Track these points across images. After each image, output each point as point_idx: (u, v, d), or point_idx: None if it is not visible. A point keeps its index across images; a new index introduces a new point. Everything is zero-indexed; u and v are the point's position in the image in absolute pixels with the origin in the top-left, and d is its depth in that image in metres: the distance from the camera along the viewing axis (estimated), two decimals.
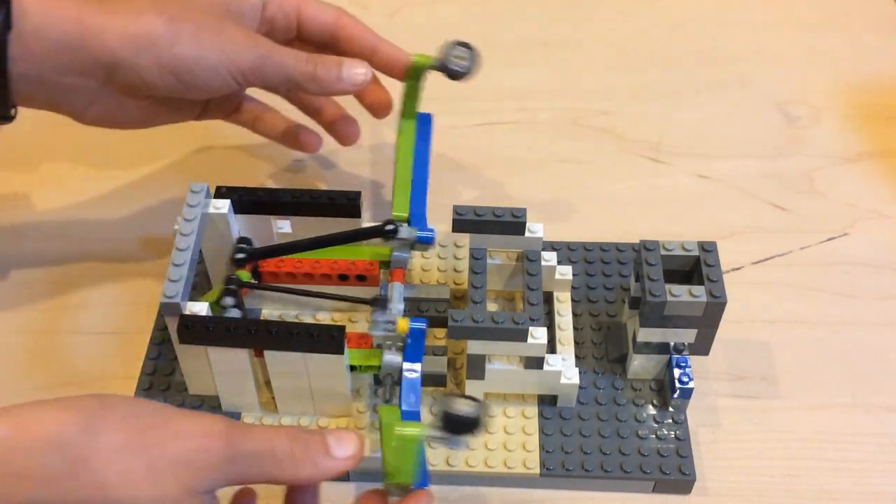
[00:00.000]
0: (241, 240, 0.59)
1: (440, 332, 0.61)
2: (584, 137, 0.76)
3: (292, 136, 0.66)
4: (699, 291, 0.54)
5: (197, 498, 0.40)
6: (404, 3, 0.87)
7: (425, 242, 0.58)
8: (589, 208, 0.71)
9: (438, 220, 0.61)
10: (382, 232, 0.57)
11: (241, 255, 0.58)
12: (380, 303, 0.55)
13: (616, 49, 0.84)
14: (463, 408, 0.44)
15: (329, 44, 0.62)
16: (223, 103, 0.64)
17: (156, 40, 0.54)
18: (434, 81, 0.62)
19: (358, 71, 0.58)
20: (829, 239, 0.69)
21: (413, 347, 0.54)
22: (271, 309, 0.62)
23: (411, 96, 0.63)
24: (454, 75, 0.59)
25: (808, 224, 0.70)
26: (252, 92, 0.64)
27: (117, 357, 0.62)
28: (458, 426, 0.44)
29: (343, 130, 0.65)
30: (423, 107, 0.77)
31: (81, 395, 0.40)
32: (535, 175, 0.73)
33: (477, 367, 0.55)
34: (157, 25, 0.54)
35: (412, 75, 0.61)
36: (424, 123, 0.64)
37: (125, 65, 0.54)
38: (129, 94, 0.56)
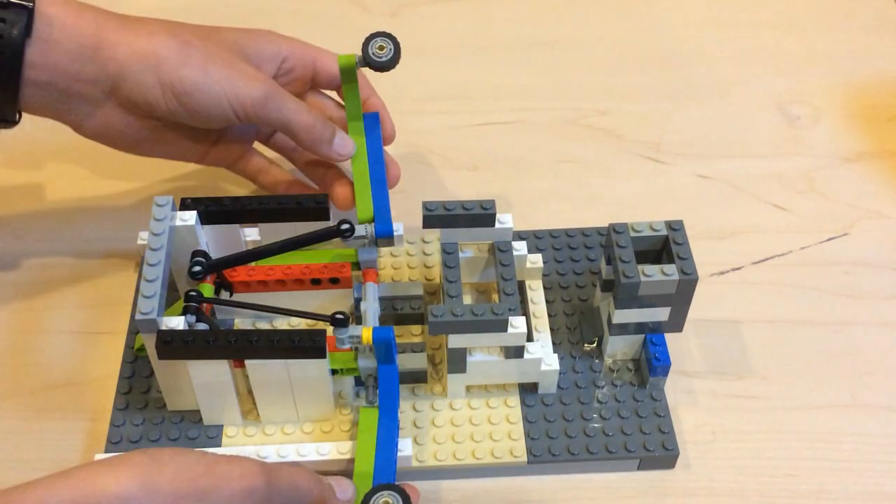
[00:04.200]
0: (196, 253, 0.57)
1: (416, 329, 0.61)
2: (584, 137, 0.76)
3: (295, 192, 0.65)
4: (671, 270, 0.54)
5: None
6: (404, 3, 0.87)
7: (385, 236, 0.58)
8: (589, 208, 0.71)
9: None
10: (339, 232, 0.57)
11: (197, 269, 0.56)
12: (340, 321, 0.53)
13: (616, 49, 0.84)
14: None
15: (337, 91, 0.64)
16: (228, 149, 0.64)
17: (163, 60, 0.56)
18: (432, 81, 0.62)
19: (347, 144, 0.61)
20: (829, 239, 0.69)
21: (386, 352, 0.54)
22: (244, 318, 0.61)
23: (351, 98, 0.62)
24: (377, 68, 0.59)
25: (808, 224, 0.70)
26: (257, 148, 0.65)
27: (91, 357, 0.62)
28: None
29: (339, 192, 0.63)
30: (423, 106, 0.78)
31: (130, 452, 0.43)
32: (535, 175, 0.73)
33: (458, 360, 0.56)
34: (168, 46, 0.56)
35: (344, 77, 0.61)
36: (373, 122, 0.63)
37: (130, 79, 0.56)
38: (131, 111, 0.57)
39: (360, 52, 0.59)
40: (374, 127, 0.63)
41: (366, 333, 0.53)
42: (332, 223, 0.58)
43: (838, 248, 0.69)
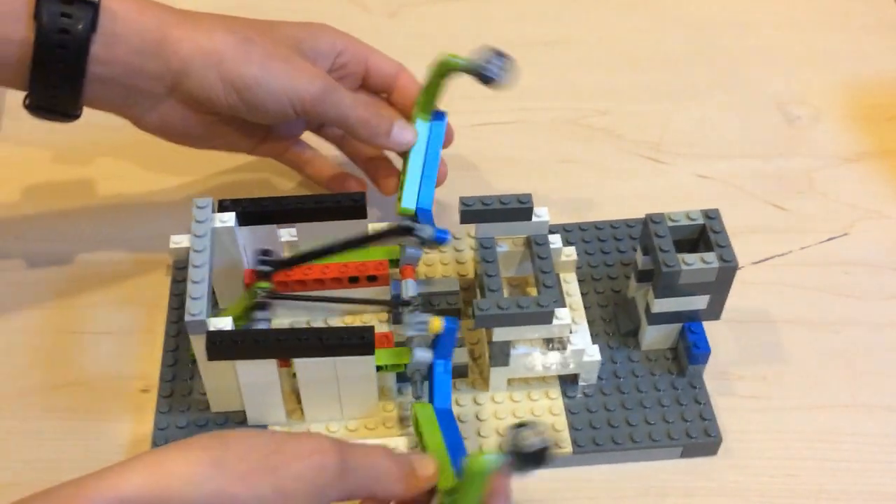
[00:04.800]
0: (263, 252, 0.58)
1: None
2: (584, 137, 0.76)
3: (339, 182, 0.67)
4: (711, 258, 0.55)
5: None
6: (404, 3, 0.87)
7: (441, 242, 0.57)
8: (589, 208, 0.71)
9: (435, 217, 0.61)
10: (402, 231, 0.57)
11: (266, 268, 0.57)
12: (409, 304, 0.55)
13: (616, 49, 0.84)
14: (532, 440, 0.44)
15: (385, 93, 0.65)
16: (278, 142, 0.65)
17: (226, 57, 0.57)
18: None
19: (407, 134, 0.61)
20: (829, 239, 0.69)
21: (445, 345, 0.54)
22: (281, 318, 0.62)
23: (432, 93, 0.62)
24: (488, 80, 0.58)
25: (808, 224, 0.70)
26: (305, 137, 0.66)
27: (122, 356, 0.62)
28: (528, 460, 0.44)
29: (386, 180, 0.65)
30: None
31: (199, 435, 0.43)
32: (535, 175, 0.73)
33: (502, 353, 0.56)
34: (230, 44, 0.57)
35: (439, 73, 0.61)
36: (439, 121, 0.63)
37: (193, 75, 0.56)
38: (191, 106, 0.58)
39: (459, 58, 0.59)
40: (439, 125, 0.63)
41: (435, 322, 0.53)
42: (368, 220, 0.59)
43: (838, 248, 0.69)
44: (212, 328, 0.52)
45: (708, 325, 0.59)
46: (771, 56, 0.83)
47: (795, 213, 0.71)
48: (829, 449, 0.58)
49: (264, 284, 0.58)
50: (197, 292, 0.52)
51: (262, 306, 0.56)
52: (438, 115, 0.63)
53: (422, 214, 0.59)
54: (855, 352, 0.63)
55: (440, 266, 0.64)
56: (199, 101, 0.58)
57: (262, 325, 0.56)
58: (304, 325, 0.61)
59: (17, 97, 0.76)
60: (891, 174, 0.74)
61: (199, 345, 0.53)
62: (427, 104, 0.63)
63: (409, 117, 0.63)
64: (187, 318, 0.52)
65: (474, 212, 0.58)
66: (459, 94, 0.77)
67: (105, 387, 0.60)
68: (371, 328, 0.52)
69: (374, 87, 0.65)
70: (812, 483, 0.57)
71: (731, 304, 0.64)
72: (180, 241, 0.61)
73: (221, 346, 0.51)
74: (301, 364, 0.53)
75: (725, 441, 0.58)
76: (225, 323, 0.53)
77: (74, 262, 0.67)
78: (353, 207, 0.59)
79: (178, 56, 0.56)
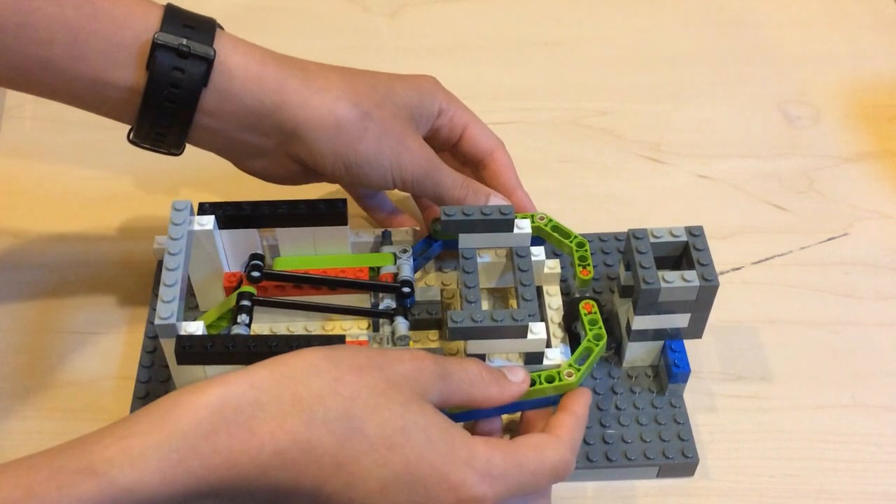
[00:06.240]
0: (254, 256, 0.58)
1: (433, 335, 0.61)
2: (584, 137, 0.76)
3: (391, 216, 0.66)
4: (691, 276, 0.54)
5: (427, 405, 0.47)
6: (404, 3, 0.87)
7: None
8: (588, 208, 0.71)
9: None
10: (396, 290, 0.58)
11: (256, 274, 0.57)
12: (398, 315, 0.57)
13: (616, 49, 0.84)
14: None
15: (476, 167, 0.64)
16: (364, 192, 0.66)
17: (343, 132, 0.56)
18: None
19: (500, 202, 0.61)
20: (829, 239, 0.69)
21: None
22: (261, 323, 0.61)
23: (557, 244, 0.61)
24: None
25: (808, 224, 0.70)
26: None
27: (119, 357, 0.62)
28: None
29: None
30: None
31: (313, 346, 0.47)
32: (535, 175, 0.73)
33: None
34: (350, 118, 0.56)
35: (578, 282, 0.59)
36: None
37: (305, 141, 0.56)
38: (294, 160, 0.58)
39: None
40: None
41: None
42: (348, 226, 0.59)
43: (838, 248, 0.69)
44: (182, 332, 0.52)
45: (707, 325, 0.59)
46: (771, 56, 0.83)
47: (795, 213, 0.71)
48: (829, 449, 0.58)
49: (250, 289, 0.57)
50: (168, 295, 0.52)
51: (246, 310, 0.55)
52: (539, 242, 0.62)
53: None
54: (855, 352, 0.63)
55: (420, 274, 0.64)
56: (304, 162, 0.57)
57: (241, 331, 0.55)
58: (285, 332, 0.60)
59: (15, 98, 0.76)
60: (891, 174, 0.74)
61: (169, 348, 0.52)
62: (547, 238, 0.60)
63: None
64: (157, 321, 0.51)
65: (455, 222, 0.57)
66: (460, 94, 0.77)
67: (103, 387, 0.60)
68: (341, 337, 0.51)
69: (465, 155, 0.63)
70: (812, 483, 0.57)
71: (731, 304, 0.64)
72: (164, 242, 0.61)
73: (191, 351, 0.51)
74: None
75: (726, 441, 0.58)
76: (196, 327, 0.52)
77: (66, 262, 0.67)
78: (334, 214, 0.58)
79: (295, 122, 0.55)
